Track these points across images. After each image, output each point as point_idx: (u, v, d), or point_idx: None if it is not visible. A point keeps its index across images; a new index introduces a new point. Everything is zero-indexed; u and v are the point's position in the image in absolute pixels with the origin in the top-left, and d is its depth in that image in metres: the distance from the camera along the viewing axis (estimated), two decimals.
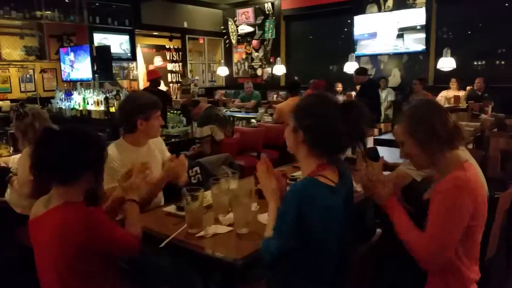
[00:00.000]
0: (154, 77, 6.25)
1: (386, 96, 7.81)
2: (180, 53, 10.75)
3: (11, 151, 3.57)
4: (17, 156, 2.88)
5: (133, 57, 9.27)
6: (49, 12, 7.90)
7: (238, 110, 7.87)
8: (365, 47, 8.52)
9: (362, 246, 1.60)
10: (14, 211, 2.66)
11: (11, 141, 3.71)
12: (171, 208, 2.14)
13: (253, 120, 6.56)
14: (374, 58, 8.59)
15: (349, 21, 8.77)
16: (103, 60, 6.07)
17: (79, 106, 5.54)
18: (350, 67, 7.46)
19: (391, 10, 8.11)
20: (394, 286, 1.65)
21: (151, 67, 10.57)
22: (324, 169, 1.48)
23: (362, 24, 8.45)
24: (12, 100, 7.65)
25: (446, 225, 1.39)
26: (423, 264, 1.44)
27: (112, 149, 2.27)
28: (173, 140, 4.66)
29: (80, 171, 1.56)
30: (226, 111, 7.03)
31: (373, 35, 8.34)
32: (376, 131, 4.25)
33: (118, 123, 2.43)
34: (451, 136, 1.48)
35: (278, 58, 9.04)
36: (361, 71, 6.55)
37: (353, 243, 1.56)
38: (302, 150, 1.52)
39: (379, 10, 8.29)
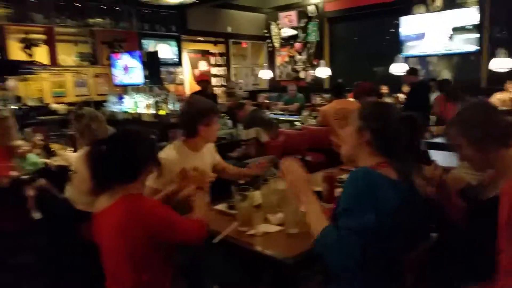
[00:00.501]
0: (204, 79, 6.44)
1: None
2: (224, 57, 10.94)
3: (70, 150, 3.78)
4: (76, 154, 3.03)
5: (180, 62, 9.54)
6: (100, 19, 8.30)
7: (282, 113, 7.89)
8: (413, 48, 8.30)
9: (415, 250, 1.58)
10: (74, 208, 2.81)
11: (70, 141, 3.93)
12: (222, 206, 2.19)
13: (297, 123, 6.56)
14: (422, 59, 8.35)
15: (395, 21, 8.58)
16: (152, 65, 6.29)
17: (130, 110, 5.77)
18: (397, 68, 7.30)
19: (439, 10, 7.86)
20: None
21: (196, 71, 10.82)
22: (383, 166, 1.48)
23: (409, 24, 8.25)
24: (68, 104, 8.08)
25: None
26: None
27: (172, 152, 2.36)
28: (219, 142, 4.75)
29: (140, 168, 1.65)
30: (269, 114, 7.07)
31: (420, 36, 8.11)
32: (427, 134, 4.15)
33: (180, 127, 2.50)
34: (505, 135, 1.45)
35: (322, 61, 9.00)
36: (412, 71, 6.40)
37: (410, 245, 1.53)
38: (363, 150, 1.54)
39: (427, 11, 8.06)
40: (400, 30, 8.36)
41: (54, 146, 4.14)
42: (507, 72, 6.49)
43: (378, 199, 1.38)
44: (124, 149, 1.65)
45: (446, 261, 1.60)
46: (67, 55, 8.62)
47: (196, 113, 2.36)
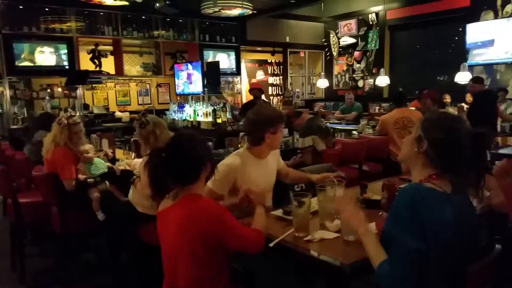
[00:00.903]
0: (256, 87, 6.54)
1: (504, 109, 7.11)
2: (281, 66, 11.03)
3: (134, 156, 3.98)
4: (140, 160, 3.19)
5: (238, 72, 9.75)
6: (164, 31, 8.71)
7: (338, 121, 7.80)
8: (478, 56, 7.90)
9: (478, 262, 1.52)
10: (136, 210, 2.95)
11: (134, 147, 4.14)
12: (279, 212, 2.22)
13: (354, 132, 6.46)
14: (489, 67, 7.92)
15: (460, 29, 8.23)
16: (212, 75, 6.49)
17: (190, 118, 5.98)
18: (462, 77, 6.97)
19: (510, 16, 7.43)
20: None
21: (253, 80, 11.00)
22: (436, 179, 1.45)
23: (475, 32, 7.87)
24: (131, 112, 8.52)
25: None
26: None
27: (236, 160, 2.42)
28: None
29: (198, 169, 1.73)
30: (326, 122, 7.02)
31: (487, 43, 7.70)
32: (492, 145, 3.93)
33: (246, 133, 2.57)
34: None
35: (382, 69, 8.81)
36: (477, 79, 6.10)
37: (470, 258, 1.48)
38: (418, 160, 1.52)
39: (496, 17, 7.65)
40: (466, 37, 8.00)
41: (118, 152, 4.39)
42: None
43: (426, 220, 1.36)
44: (181, 152, 1.74)
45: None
46: (132, 66, 9.12)
47: (263, 121, 2.40)
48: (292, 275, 2.23)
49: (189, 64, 7.15)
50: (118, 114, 8.17)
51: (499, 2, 7.59)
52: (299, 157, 4.47)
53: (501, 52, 7.56)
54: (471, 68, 7.81)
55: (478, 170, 1.47)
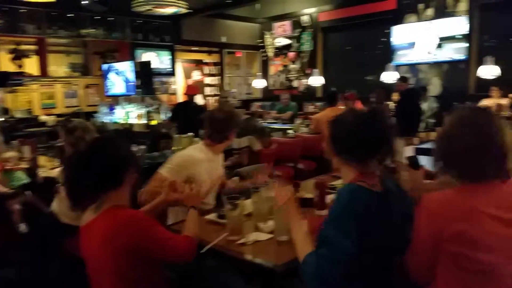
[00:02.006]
0: (194, 93, 6.43)
1: (429, 105, 7.59)
2: (218, 66, 10.97)
3: (57, 163, 3.74)
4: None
5: (173, 72, 9.55)
6: (93, 30, 8.30)
7: (275, 121, 7.90)
8: (404, 57, 8.38)
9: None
10: (60, 222, 2.76)
11: (59, 154, 3.90)
12: (212, 216, 2.17)
13: (289, 131, 6.57)
14: (413, 67, 8.42)
15: (386, 31, 8.67)
16: (144, 75, 6.29)
17: (122, 120, 5.74)
18: (388, 76, 7.35)
19: (431, 19, 7.95)
20: None
21: (189, 81, 10.84)
22: (363, 177, 1.48)
23: (400, 33, 8.34)
24: (57, 115, 8.03)
25: (413, 243, 1.42)
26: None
27: (199, 154, 2.49)
28: None
29: (121, 173, 1.62)
30: (262, 122, 7.07)
31: (412, 45, 8.20)
32: (416, 140, 4.16)
33: (210, 132, 2.56)
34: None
35: (315, 70, 9.05)
36: (402, 79, 6.48)
37: (398, 252, 1.52)
38: (337, 161, 1.58)
39: (418, 20, 8.15)
40: (392, 39, 8.44)
41: (42, 159, 4.10)
42: (494, 79, 6.56)
43: (360, 219, 1.39)
44: (101, 154, 1.62)
45: None
46: (58, 66, 8.60)
47: (233, 120, 2.55)
48: (234, 275, 2.19)
49: (119, 64, 6.86)
50: (42, 117, 7.66)
51: (420, 6, 8.09)
52: (236, 158, 4.44)
53: (423, 53, 8.06)
54: (397, 68, 8.26)
55: (386, 144, 1.52)
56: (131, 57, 8.47)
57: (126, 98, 6.50)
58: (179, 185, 2.01)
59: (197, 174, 2.38)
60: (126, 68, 6.46)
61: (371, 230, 1.40)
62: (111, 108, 6.13)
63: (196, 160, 2.44)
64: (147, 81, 6.30)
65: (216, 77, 11.13)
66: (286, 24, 10.41)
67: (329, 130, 1.58)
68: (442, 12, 7.79)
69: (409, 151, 3.36)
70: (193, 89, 6.62)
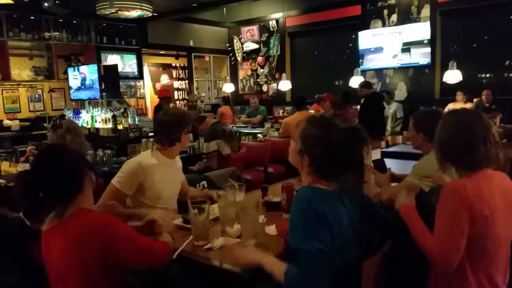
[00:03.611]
0: (166, 95, 6.36)
1: (394, 111, 7.78)
2: (186, 71, 10.88)
3: (22, 167, 3.60)
4: None
5: (140, 76, 9.40)
6: (57, 33, 8.07)
7: (244, 125, 7.90)
8: (371, 62, 8.55)
9: (371, 257, 1.58)
10: (29, 226, 2.65)
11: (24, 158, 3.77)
12: (178, 221, 2.13)
13: (259, 135, 6.57)
14: (379, 72, 8.61)
15: (353, 36, 8.83)
16: (110, 78, 6.15)
17: (87, 124, 5.58)
18: (356, 81, 7.48)
19: (395, 25, 8.16)
20: None
21: (158, 85, 10.68)
22: (321, 181, 1.49)
23: (367, 39, 8.51)
24: (21, 120, 7.75)
25: (445, 228, 1.43)
26: (437, 266, 1.47)
27: (149, 159, 2.40)
28: (180, 155, 4.67)
29: (79, 180, 1.55)
30: (232, 126, 7.05)
31: (378, 50, 8.38)
32: (383, 143, 4.24)
33: (159, 136, 2.49)
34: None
35: (284, 74, 9.11)
36: (365, 84, 6.56)
37: (363, 256, 1.54)
38: (305, 170, 1.55)
39: (384, 25, 8.35)
40: (359, 44, 8.61)
41: (4, 164, 3.94)
42: (458, 84, 6.79)
43: (328, 217, 1.38)
44: (53, 165, 1.53)
45: (399, 264, 1.61)
46: (22, 69, 8.31)
47: (180, 122, 2.44)
48: (201, 282, 2.15)
49: (84, 67, 6.68)
50: (6, 122, 7.38)
51: (385, 12, 8.29)
52: (204, 162, 4.40)
53: (389, 58, 8.26)
54: (364, 73, 8.43)
55: (357, 169, 1.50)
56: (97, 60, 8.28)
57: (92, 102, 6.34)
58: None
59: (149, 180, 2.33)
60: (91, 72, 6.30)
61: (334, 227, 1.40)
62: (76, 112, 5.95)
63: (146, 165, 2.35)
64: (113, 84, 6.16)
65: (185, 81, 11.03)
66: (254, 29, 10.44)
67: (312, 148, 1.50)
68: (407, 18, 8.01)
69: (375, 154, 3.44)
70: (166, 92, 6.55)
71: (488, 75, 7.66)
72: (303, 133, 1.53)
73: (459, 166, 1.53)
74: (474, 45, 7.70)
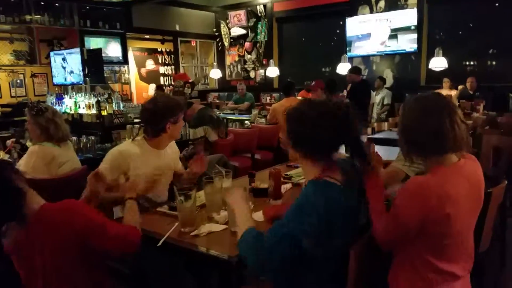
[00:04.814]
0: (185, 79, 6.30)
1: (382, 97, 7.81)
2: (172, 56, 10.73)
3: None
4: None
5: (125, 61, 9.24)
6: (39, 16, 7.86)
7: (232, 112, 7.86)
8: (358, 48, 8.55)
9: (359, 239, 1.59)
10: None
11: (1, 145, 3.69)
12: (164, 208, 2.11)
13: (246, 122, 6.55)
14: (366, 59, 8.61)
15: (341, 22, 8.80)
16: (94, 63, 6.01)
17: (71, 110, 5.46)
18: (343, 68, 7.47)
19: (383, 11, 8.14)
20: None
21: (143, 70, 10.54)
22: (328, 171, 1.47)
23: (354, 25, 8.48)
24: (2, 105, 7.56)
25: (394, 218, 1.45)
26: (379, 243, 1.52)
27: (134, 148, 2.30)
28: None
29: (16, 191, 1.47)
30: (219, 113, 7.00)
31: (366, 36, 8.37)
32: (369, 130, 4.26)
33: (144, 125, 2.38)
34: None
35: (271, 60, 9.06)
36: (354, 69, 6.57)
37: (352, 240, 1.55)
38: (305, 162, 1.54)
39: (371, 11, 8.32)
40: (346, 30, 8.58)
41: None
42: (443, 70, 6.84)
43: (329, 220, 1.37)
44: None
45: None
46: (1, 54, 8.09)
47: (164, 111, 2.29)
48: (186, 271, 2.14)
49: (67, 52, 6.52)
50: None
51: None
52: (191, 149, 4.37)
53: (377, 45, 8.26)
54: (351, 59, 8.42)
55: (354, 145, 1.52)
56: (80, 44, 8.10)
57: (75, 88, 6.20)
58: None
59: (132, 169, 2.24)
60: (74, 56, 6.15)
61: (336, 228, 1.39)
62: (59, 98, 5.81)
63: (128, 155, 2.26)
64: (97, 69, 6.01)
65: (171, 67, 10.89)
66: (241, 14, 10.31)
67: (288, 123, 1.52)
68: (394, 4, 8.00)
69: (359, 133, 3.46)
70: (183, 76, 6.46)
71: (472, 63, 7.73)
72: (287, 125, 1.54)
73: (428, 154, 1.48)
74: (460, 33, 7.75)
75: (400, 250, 1.51)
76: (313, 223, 1.34)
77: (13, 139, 3.72)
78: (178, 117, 2.34)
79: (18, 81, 8.31)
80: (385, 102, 7.79)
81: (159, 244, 1.76)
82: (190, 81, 5.25)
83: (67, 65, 6.38)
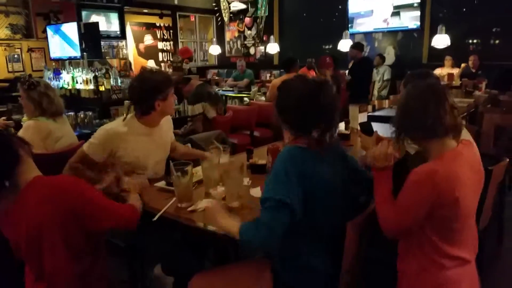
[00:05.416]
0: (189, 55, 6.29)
1: (383, 73, 7.74)
2: (171, 31, 10.55)
3: None
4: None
5: (123, 36, 9.10)
6: None
7: (231, 89, 7.79)
8: (360, 25, 8.42)
9: (356, 217, 1.59)
10: None
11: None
12: (161, 184, 2.09)
13: (246, 99, 6.49)
14: (368, 35, 8.49)
15: None
16: (91, 37, 5.91)
17: (68, 85, 5.40)
18: (344, 45, 7.35)
19: None
20: (387, 253, 1.64)
21: (141, 46, 10.39)
22: (297, 140, 1.54)
23: (356, 1, 8.34)
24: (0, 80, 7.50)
25: (403, 207, 1.46)
26: (382, 230, 1.51)
27: (121, 128, 2.21)
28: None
29: (14, 151, 1.50)
30: (218, 90, 6.94)
31: (368, 13, 8.23)
32: (369, 107, 4.22)
33: (134, 103, 2.30)
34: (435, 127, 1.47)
35: (272, 36, 8.90)
36: (356, 45, 6.46)
37: (350, 216, 1.54)
38: (284, 130, 1.63)
39: None
40: (348, 7, 8.43)
41: None
42: (446, 48, 6.73)
43: (306, 175, 1.44)
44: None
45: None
46: None
47: (151, 88, 2.19)
48: (182, 246, 2.14)
49: (64, 26, 6.41)
50: None
51: None
52: (190, 125, 4.33)
53: (379, 21, 8.13)
54: (352, 36, 8.29)
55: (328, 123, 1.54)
56: (77, 18, 7.95)
57: (73, 63, 6.12)
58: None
59: (121, 149, 2.18)
60: (71, 30, 6.04)
61: (312, 187, 1.45)
62: (57, 73, 5.74)
63: (116, 133, 2.19)
64: (94, 44, 5.92)
65: (169, 42, 10.73)
66: None
67: (276, 98, 1.61)
68: None
69: (362, 117, 3.41)
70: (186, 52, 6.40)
71: (475, 41, 7.62)
72: (276, 96, 1.63)
73: (428, 136, 1.49)
74: (464, 10, 7.60)
75: (409, 236, 1.51)
76: (285, 181, 1.41)
77: (4, 117, 3.68)
78: (167, 93, 2.24)
79: (16, 56, 8.21)
80: (385, 78, 7.72)
81: (155, 218, 1.76)
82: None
83: (63, 39, 6.28)
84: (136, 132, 2.24)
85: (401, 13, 7.83)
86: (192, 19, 10.84)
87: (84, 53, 5.75)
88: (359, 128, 2.06)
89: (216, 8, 10.74)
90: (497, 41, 7.40)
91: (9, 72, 8.11)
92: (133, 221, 1.67)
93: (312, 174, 1.45)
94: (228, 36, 10.78)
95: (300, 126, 1.54)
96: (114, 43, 8.92)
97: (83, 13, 8.32)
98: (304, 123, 1.52)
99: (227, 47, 10.82)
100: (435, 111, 1.44)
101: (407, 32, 7.94)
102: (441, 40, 6.56)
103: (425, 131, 1.47)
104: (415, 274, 1.49)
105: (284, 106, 1.58)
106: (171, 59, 10.05)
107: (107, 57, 8.30)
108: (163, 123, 2.40)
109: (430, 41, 7.18)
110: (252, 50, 10.33)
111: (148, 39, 10.54)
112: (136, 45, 10.39)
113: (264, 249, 1.58)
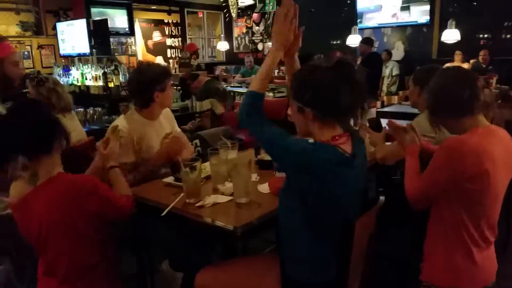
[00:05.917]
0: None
1: (391, 69, 7.68)
2: (179, 27, 10.57)
3: None
4: None
5: (131, 32, 9.13)
6: None
7: (239, 85, 7.78)
8: (369, 20, 8.36)
9: (365, 213, 1.58)
10: None
11: None
12: (170, 179, 2.11)
13: None
14: (377, 31, 8.43)
15: None
16: (100, 34, 5.95)
17: (78, 82, 5.45)
18: (353, 40, 7.31)
19: None
20: (396, 250, 1.64)
21: (150, 42, 10.42)
22: (337, 139, 1.41)
23: None
24: None
25: (427, 176, 1.52)
26: (410, 202, 1.58)
27: (122, 123, 2.23)
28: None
29: (50, 137, 1.54)
30: (227, 86, 6.94)
31: (377, 8, 8.16)
32: (378, 103, 4.20)
33: (130, 97, 2.34)
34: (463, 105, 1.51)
35: None
36: (366, 40, 6.43)
37: (359, 212, 1.53)
38: (314, 127, 1.45)
39: None
40: (357, 1, 8.37)
41: None
42: (455, 43, 6.66)
43: (320, 178, 1.38)
44: (30, 118, 1.51)
45: (394, 224, 1.61)
46: (8, 25, 8.03)
47: (149, 81, 2.23)
48: (190, 241, 2.16)
49: (73, 23, 6.46)
50: None
51: None
52: (198, 122, 4.35)
53: (388, 16, 8.06)
54: (361, 31, 8.23)
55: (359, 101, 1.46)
56: (86, 15, 8.00)
57: (82, 59, 6.17)
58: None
59: (123, 144, 2.15)
60: (80, 27, 6.08)
61: (329, 190, 1.38)
62: (66, 70, 5.79)
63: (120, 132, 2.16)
64: (103, 41, 5.96)
65: (178, 39, 10.74)
66: None
67: (304, 95, 1.42)
68: None
69: (370, 113, 3.41)
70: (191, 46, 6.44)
71: (486, 36, 7.51)
72: (291, 91, 1.50)
73: (464, 111, 1.52)
74: (474, 3, 7.50)
75: (439, 217, 1.54)
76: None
77: None
78: (165, 84, 2.27)
79: (26, 53, 8.28)
80: (393, 73, 7.66)
81: (163, 214, 1.76)
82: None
83: (73, 36, 6.33)
84: (138, 126, 2.29)
85: (411, 8, 7.76)
86: (200, 15, 10.85)
87: (93, 50, 5.79)
88: (367, 124, 2.05)
89: (224, 4, 10.72)
90: (508, 36, 7.29)
91: None
92: (126, 211, 1.68)
93: (334, 177, 1.38)
94: (236, 32, 10.77)
95: (331, 113, 1.41)
96: (123, 39, 8.96)
97: (92, 10, 8.36)
98: (335, 109, 1.40)
99: (235, 43, 10.81)
100: (472, 84, 1.50)
101: (416, 27, 7.87)
102: (451, 35, 6.49)
103: (462, 106, 1.50)
104: (444, 254, 1.51)
105: (310, 98, 1.41)
106: (179, 56, 10.08)
107: (116, 54, 8.34)
108: (161, 118, 2.44)
109: (440, 36, 7.10)
110: (260, 46, 10.31)
111: (157, 36, 10.57)
112: (145, 41, 10.43)
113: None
